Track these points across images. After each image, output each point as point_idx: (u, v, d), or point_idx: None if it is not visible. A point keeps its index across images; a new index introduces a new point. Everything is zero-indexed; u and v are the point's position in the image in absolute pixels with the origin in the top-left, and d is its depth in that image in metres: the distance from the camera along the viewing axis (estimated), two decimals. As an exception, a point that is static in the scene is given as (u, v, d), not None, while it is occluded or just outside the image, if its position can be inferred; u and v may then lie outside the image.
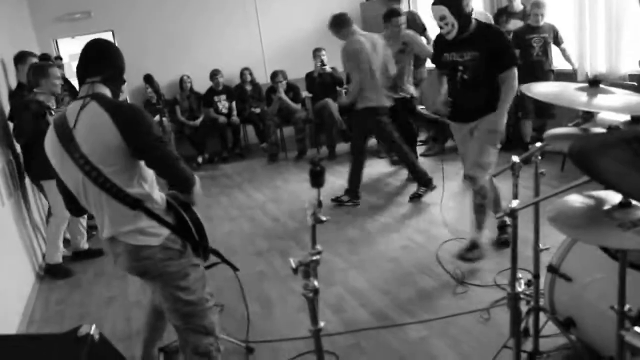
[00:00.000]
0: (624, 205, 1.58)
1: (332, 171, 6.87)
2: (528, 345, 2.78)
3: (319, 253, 1.64)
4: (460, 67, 3.72)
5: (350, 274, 4.03)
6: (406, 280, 3.81)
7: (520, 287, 2.17)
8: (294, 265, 1.66)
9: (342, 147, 7.72)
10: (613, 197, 1.65)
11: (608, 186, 1.24)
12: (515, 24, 6.23)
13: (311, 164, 1.62)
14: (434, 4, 3.61)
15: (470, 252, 3.95)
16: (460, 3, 3.54)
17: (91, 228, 5.17)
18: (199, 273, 2.42)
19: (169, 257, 2.28)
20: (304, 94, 8.15)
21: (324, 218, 1.60)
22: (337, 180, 6.36)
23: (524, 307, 2.77)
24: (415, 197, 5.42)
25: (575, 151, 1.14)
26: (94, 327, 2.10)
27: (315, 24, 8.18)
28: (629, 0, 5.22)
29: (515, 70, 3.65)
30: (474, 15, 3.65)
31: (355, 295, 3.70)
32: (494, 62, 3.62)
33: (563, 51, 5.98)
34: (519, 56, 5.83)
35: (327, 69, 7.74)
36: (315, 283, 1.68)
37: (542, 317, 2.74)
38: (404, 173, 6.16)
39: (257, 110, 8.23)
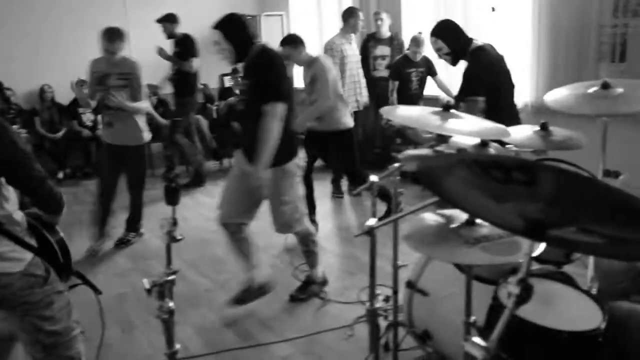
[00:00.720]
0: (469, 223, 1.69)
1: (201, 189, 6.76)
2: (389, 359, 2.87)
3: (174, 273, 1.58)
4: (240, 96, 3.57)
5: (216, 293, 3.95)
6: (272, 299, 3.79)
7: (379, 303, 2.23)
8: (147, 286, 1.58)
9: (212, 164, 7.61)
10: (460, 216, 1.76)
11: (452, 204, 1.31)
12: (382, 50, 6.52)
13: (166, 181, 1.56)
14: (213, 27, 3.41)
15: (303, 292, 3.81)
16: (233, 26, 3.35)
17: None
18: (63, 300, 2.19)
19: (31, 284, 2.05)
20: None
21: (179, 237, 1.54)
22: (209, 199, 6.25)
23: (385, 322, 2.88)
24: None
25: (421, 171, 1.19)
26: None
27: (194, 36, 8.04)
28: (484, 35, 5.66)
29: (278, 108, 3.19)
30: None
31: (220, 315, 3.63)
32: (260, 94, 3.25)
33: (439, 82, 6.25)
34: (397, 89, 6.13)
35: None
36: (171, 304, 1.62)
37: (402, 331, 2.85)
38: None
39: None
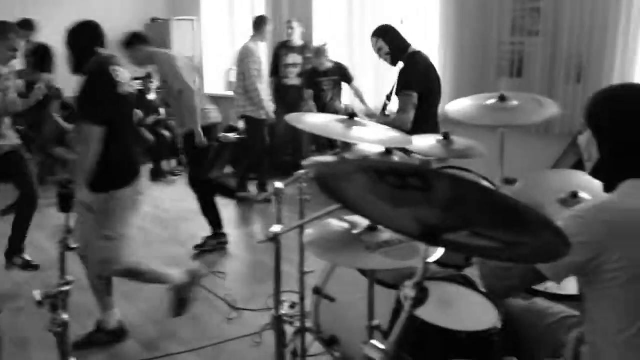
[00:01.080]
0: (371, 229, 1.72)
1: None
2: (297, 366, 2.87)
3: (68, 284, 1.50)
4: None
5: (120, 304, 3.80)
6: (179, 307, 3.71)
7: (285, 310, 2.23)
8: (39, 298, 1.50)
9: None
10: (363, 221, 1.79)
11: (352, 210, 1.33)
12: (294, 58, 6.55)
13: (59, 187, 1.49)
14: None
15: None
16: (75, 34, 3.16)
17: None
18: None
19: None
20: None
21: (73, 245, 1.47)
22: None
23: (293, 329, 2.88)
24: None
25: (319, 177, 1.20)
26: None
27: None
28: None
29: (90, 129, 2.89)
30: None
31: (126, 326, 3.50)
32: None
33: (355, 89, 6.22)
34: (313, 97, 6.16)
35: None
36: (65, 316, 1.54)
37: (310, 337, 2.86)
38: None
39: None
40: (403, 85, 3.72)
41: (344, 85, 6.29)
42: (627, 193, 1.55)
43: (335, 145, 6.14)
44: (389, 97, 4.02)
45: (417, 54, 3.85)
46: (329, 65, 6.16)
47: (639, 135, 1.57)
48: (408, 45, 3.86)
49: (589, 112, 1.66)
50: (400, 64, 3.84)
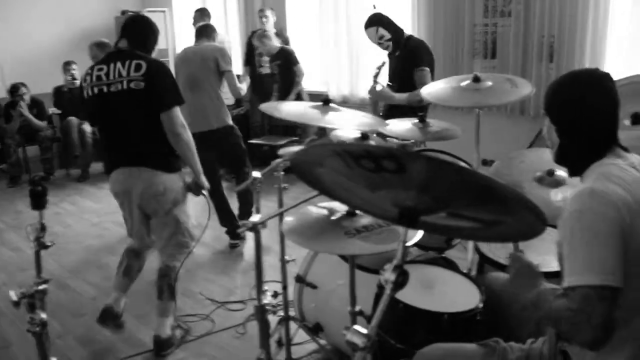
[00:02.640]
0: (349, 214, 1.72)
1: (85, 193, 6.44)
2: (283, 355, 2.87)
3: (45, 282, 1.48)
4: None
5: (102, 301, 3.75)
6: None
7: (267, 299, 2.22)
8: (15, 298, 1.47)
9: (97, 167, 7.25)
10: (341, 207, 1.79)
11: (329, 196, 1.33)
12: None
13: (31, 184, 1.46)
14: None
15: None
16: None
17: None
18: None
19: None
20: (51, 110, 7.49)
21: (49, 243, 1.45)
22: (93, 204, 5.97)
23: (277, 318, 2.88)
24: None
25: (295, 163, 1.19)
26: None
27: (65, 35, 7.64)
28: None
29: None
30: None
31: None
32: None
33: (298, 70, 6.11)
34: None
35: (77, 83, 7.23)
36: (43, 315, 1.51)
37: (294, 325, 2.86)
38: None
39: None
40: (417, 62, 3.82)
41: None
42: (596, 178, 1.56)
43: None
44: (391, 79, 4.04)
45: (413, 37, 4.02)
46: (276, 49, 6.08)
47: (587, 122, 1.61)
48: (402, 30, 3.96)
49: (545, 100, 1.70)
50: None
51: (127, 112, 2.91)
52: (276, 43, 6.09)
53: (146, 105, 2.86)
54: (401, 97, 3.76)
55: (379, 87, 3.76)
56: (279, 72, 6.19)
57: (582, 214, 1.46)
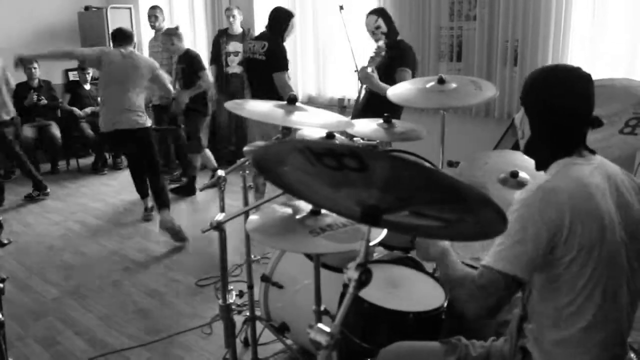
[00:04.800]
0: (314, 213, 1.72)
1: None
2: (249, 355, 2.86)
3: (2, 281, 1.45)
4: None
5: (65, 301, 3.70)
6: (126, 302, 3.64)
7: (232, 299, 2.21)
8: (-30, 298, 1.44)
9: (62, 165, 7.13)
10: (306, 206, 1.79)
11: (292, 193, 1.32)
12: (235, 46, 6.48)
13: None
14: None
15: None
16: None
17: None
18: None
19: None
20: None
21: (5, 241, 1.41)
22: (52, 203, 5.87)
23: (243, 317, 2.87)
24: None
25: (256, 159, 1.19)
26: None
27: (28, 31, 7.46)
28: (333, 33, 5.85)
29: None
30: None
31: (70, 324, 3.40)
32: None
33: (204, 77, 5.80)
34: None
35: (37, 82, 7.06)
36: (0, 316, 1.48)
37: (260, 325, 2.85)
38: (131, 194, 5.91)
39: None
40: (402, 62, 3.93)
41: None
42: (560, 174, 1.59)
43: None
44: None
45: (404, 41, 4.16)
46: (179, 51, 5.74)
47: (559, 120, 1.63)
48: (398, 32, 4.13)
49: (522, 91, 1.71)
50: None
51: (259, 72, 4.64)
52: (184, 45, 5.77)
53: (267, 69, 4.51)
54: (384, 87, 3.64)
55: (369, 69, 3.77)
56: (182, 77, 5.76)
57: (523, 206, 1.53)
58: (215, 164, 5.93)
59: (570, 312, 1.55)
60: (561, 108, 1.62)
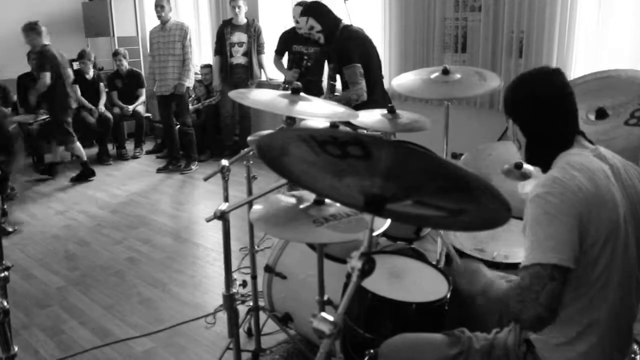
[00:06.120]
0: (317, 202, 1.72)
1: (51, 182, 6.31)
2: (252, 345, 2.87)
3: (7, 269, 1.45)
4: None
5: (69, 291, 3.72)
6: (130, 292, 3.65)
7: (236, 289, 2.22)
8: (-26, 286, 1.45)
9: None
10: (310, 196, 1.79)
11: (296, 183, 1.32)
12: (239, 37, 6.47)
13: (-10, 169, 1.43)
14: None
15: None
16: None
17: None
18: None
19: None
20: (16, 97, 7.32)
21: (10, 229, 1.42)
22: (57, 192, 5.89)
23: (246, 308, 2.88)
24: None
25: (260, 148, 1.19)
26: None
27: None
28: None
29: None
30: None
31: (74, 314, 3.42)
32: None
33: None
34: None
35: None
36: (5, 303, 1.49)
37: (263, 315, 2.86)
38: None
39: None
40: (344, 60, 3.69)
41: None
42: (562, 167, 1.59)
43: None
44: (332, 78, 3.98)
45: (349, 28, 3.82)
46: (38, 47, 5.83)
47: (544, 114, 1.65)
48: (339, 21, 3.81)
49: (504, 103, 1.75)
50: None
51: None
52: (46, 41, 5.80)
53: None
54: (350, 95, 3.66)
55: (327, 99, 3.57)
56: (37, 74, 5.84)
57: (543, 198, 1.51)
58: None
59: (577, 304, 1.54)
60: (545, 100, 1.65)
